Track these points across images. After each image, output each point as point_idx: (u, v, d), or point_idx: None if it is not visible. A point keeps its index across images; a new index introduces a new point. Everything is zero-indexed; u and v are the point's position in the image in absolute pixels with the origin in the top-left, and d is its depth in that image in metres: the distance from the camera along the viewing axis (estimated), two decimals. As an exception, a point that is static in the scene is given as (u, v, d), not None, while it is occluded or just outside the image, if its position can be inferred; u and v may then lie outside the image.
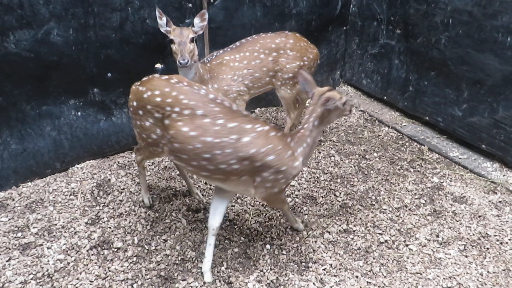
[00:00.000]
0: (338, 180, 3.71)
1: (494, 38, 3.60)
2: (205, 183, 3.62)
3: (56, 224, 3.13)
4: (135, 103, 2.64)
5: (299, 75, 2.69)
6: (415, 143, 4.33)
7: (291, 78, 3.63)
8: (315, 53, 3.73)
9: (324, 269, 2.82)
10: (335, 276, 2.78)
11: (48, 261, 2.82)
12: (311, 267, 2.84)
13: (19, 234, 3.03)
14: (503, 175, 3.78)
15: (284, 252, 2.96)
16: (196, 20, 3.17)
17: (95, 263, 2.82)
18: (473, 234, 3.13)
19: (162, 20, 3.15)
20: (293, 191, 3.55)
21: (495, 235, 3.12)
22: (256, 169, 2.44)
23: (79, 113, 3.63)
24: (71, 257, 2.86)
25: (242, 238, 3.07)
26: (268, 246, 3.00)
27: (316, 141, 2.67)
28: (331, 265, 2.86)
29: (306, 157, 2.64)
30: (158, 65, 3.86)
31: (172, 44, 3.11)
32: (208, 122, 2.38)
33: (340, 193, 3.55)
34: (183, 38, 3.06)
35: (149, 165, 3.85)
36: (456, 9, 3.84)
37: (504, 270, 2.84)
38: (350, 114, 2.92)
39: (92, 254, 2.89)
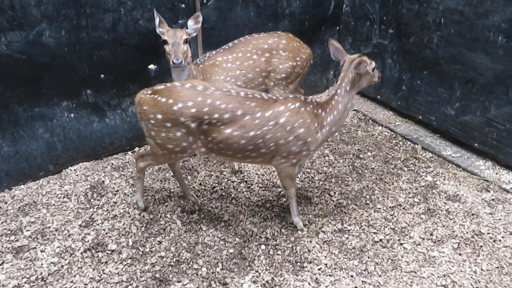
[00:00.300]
0: (333, 180, 3.72)
1: (485, 37, 3.63)
2: (200, 184, 3.62)
3: (49, 227, 3.11)
4: (160, 116, 2.60)
5: (330, 45, 2.92)
6: (409, 142, 4.35)
7: (284, 79, 3.64)
8: (308, 53, 3.73)
9: (319, 269, 2.83)
10: (330, 275, 2.78)
11: (42, 264, 2.80)
12: (306, 267, 2.85)
13: (12, 238, 3.01)
14: (496, 173, 3.81)
15: (279, 252, 2.97)
16: (190, 22, 3.17)
17: (89, 265, 2.81)
18: (467, 232, 3.15)
19: (156, 21, 3.16)
20: (287, 191, 3.55)
21: (488, 233, 3.14)
22: (288, 143, 2.68)
23: (72, 115, 3.61)
24: (65, 260, 2.84)
25: (237, 238, 3.07)
26: (263, 247, 3.01)
27: (348, 108, 2.85)
28: (326, 264, 2.86)
29: (337, 124, 2.86)
30: (151, 66, 3.84)
31: (165, 45, 3.10)
32: (249, 118, 2.60)
33: (335, 192, 3.56)
34: (176, 39, 3.06)
35: (143, 166, 3.83)
36: (448, 8, 3.86)
37: (497, 267, 2.86)
38: (378, 80, 3.01)
39: (86, 257, 2.87)
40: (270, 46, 3.57)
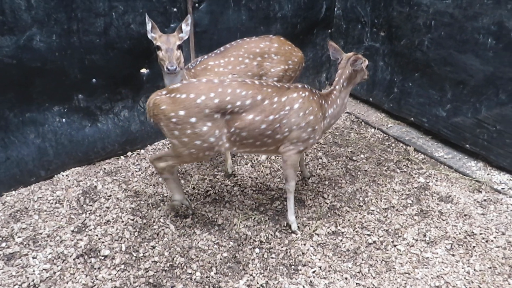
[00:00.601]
0: (326, 182, 3.73)
1: (475, 39, 3.67)
2: (193, 188, 3.60)
3: (41, 233, 3.08)
4: (182, 112, 2.61)
5: (329, 46, 3.11)
6: (401, 144, 4.38)
7: (276, 82, 3.64)
8: (300, 56, 3.75)
9: (313, 272, 2.83)
10: (324, 278, 2.79)
11: (34, 271, 2.77)
12: (300, 270, 2.85)
13: (3, 244, 2.97)
14: (487, 174, 3.84)
15: (273, 255, 2.96)
16: (184, 26, 3.16)
17: (82, 271, 2.78)
18: (460, 233, 3.17)
19: (148, 26, 3.14)
20: (281, 194, 3.55)
21: (480, 233, 3.17)
22: (299, 129, 2.84)
23: (63, 120, 3.58)
24: (57, 266, 2.81)
25: (231, 242, 3.06)
26: (257, 250, 3.00)
27: (345, 103, 3.10)
28: (320, 267, 2.86)
29: (335, 118, 3.08)
30: (143, 70, 3.83)
31: (159, 50, 3.08)
32: (268, 103, 2.75)
33: (328, 195, 3.57)
34: (170, 45, 3.04)
35: (135, 171, 3.82)
36: (438, 11, 3.90)
37: (490, 267, 2.88)
38: (368, 78, 3.28)
39: (79, 263, 2.85)
40: (262, 50, 3.57)
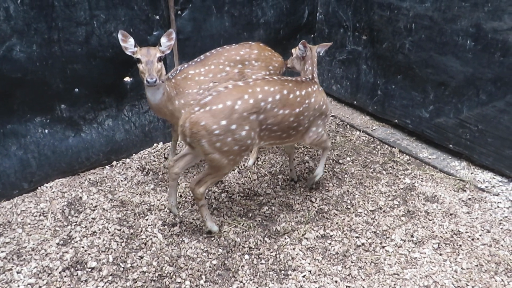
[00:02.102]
0: (313, 186, 3.74)
1: (454, 41, 3.74)
2: (180, 196, 3.57)
3: (25, 247, 3.01)
4: (224, 122, 2.65)
5: (304, 46, 3.36)
6: (386, 146, 4.42)
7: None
8: (280, 61, 3.76)
9: (303, 276, 2.83)
10: (314, 282, 2.78)
11: (18, 286, 2.70)
12: (290, 274, 2.84)
13: (-14, 260, 2.90)
14: (471, 173, 3.90)
15: (263, 261, 2.95)
16: (163, 40, 3.11)
17: (69, 285, 2.73)
18: (446, 232, 3.21)
19: (128, 43, 3.06)
20: (269, 199, 3.55)
21: (466, 232, 3.21)
22: (317, 119, 3.17)
23: (46, 131, 3.52)
24: (43, 280, 2.75)
25: (220, 249, 3.04)
26: (246, 256, 2.98)
27: None
28: (310, 271, 2.86)
29: None
30: (127, 79, 3.80)
31: (139, 63, 3.03)
32: (293, 97, 2.94)
33: (316, 198, 3.58)
34: (150, 57, 2.99)
35: (121, 180, 3.77)
36: (418, 14, 3.97)
37: (477, 265, 2.92)
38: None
39: (65, 276, 2.79)
40: (242, 57, 3.57)
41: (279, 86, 2.89)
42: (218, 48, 3.62)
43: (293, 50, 3.49)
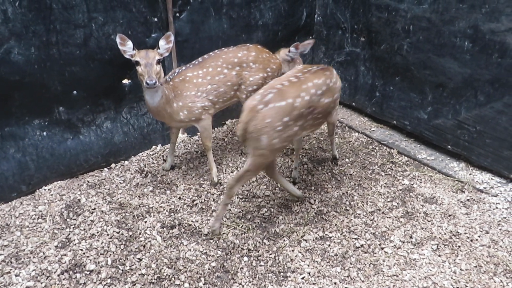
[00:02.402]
0: (312, 188, 3.74)
1: (452, 43, 3.75)
2: (179, 199, 3.56)
3: (24, 250, 3.01)
4: (286, 119, 2.79)
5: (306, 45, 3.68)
6: (385, 147, 4.43)
7: (256, 90, 3.62)
8: (278, 63, 3.77)
9: (302, 278, 2.82)
10: (313, 284, 2.78)
11: (17, 289, 2.70)
12: (289, 276, 2.84)
13: (-16, 263, 2.89)
14: (469, 174, 3.91)
15: (262, 263, 2.95)
16: (162, 42, 3.12)
17: (67, 288, 2.72)
18: (445, 233, 3.21)
19: (126, 46, 3.08)
20: (268, 201, 3.55)
21: (465, 233, 3.21)
22: (337, 99, 3.38)
23: (44, 133, 3.52)
24: (41, 283, 2.74)
25: (219, 252, 3.03)
26: (245, 258, 2.98)
27: None
28: (309, 273, 2.86)
29: None
30: (126, 81, 3.80)
31: (138, 66, 3.05)
32: (332, 83, 3.15)
33: (315, 200, 3.58)
34: (149, 60, 3.01)
35: (120, 183, 3.76)
36: (416, 16, 3.98)
37: (475, 266, 2.92)
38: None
39: (63, 279, 2.78)
40: (240, 59, 3.57)
41: (320, 77, 3.05)
42: (216, 51, 3.63)
43: (282, 53, 3.63)
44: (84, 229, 3.21)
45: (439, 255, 3.02)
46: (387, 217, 3.40)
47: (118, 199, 3.54)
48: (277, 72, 3.75)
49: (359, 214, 3.43)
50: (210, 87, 3.46)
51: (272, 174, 3.28)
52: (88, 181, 3.76)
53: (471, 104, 3.77)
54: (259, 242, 3.12)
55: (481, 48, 3.56)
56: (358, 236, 3.20)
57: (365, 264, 2.95)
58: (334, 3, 4.81)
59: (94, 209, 3.42)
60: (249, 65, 3.59)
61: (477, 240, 3.15)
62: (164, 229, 3.24)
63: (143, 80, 3.00)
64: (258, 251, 3.04)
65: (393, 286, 2.77)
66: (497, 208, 3.49)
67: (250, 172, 2.96)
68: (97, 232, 3.18)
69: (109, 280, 2.78)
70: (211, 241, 3.13)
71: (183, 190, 3.68)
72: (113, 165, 4.01)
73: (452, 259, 2.98)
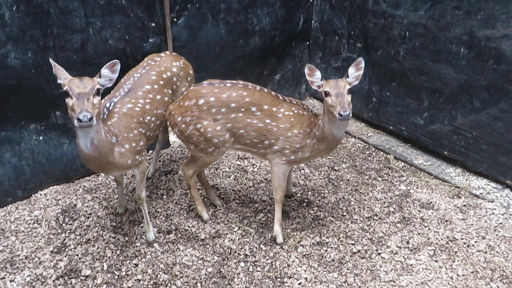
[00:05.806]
0: (309, 193, 3.74)
1: (448, 49, 3.77)
2: (176, 204, 3.55)
3: (19, 255, 2.98)
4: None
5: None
6: (382, 153, 4.44)
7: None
8: (191, 67, 3.42)
9: (299, 284, 2.81)
10: (310, 289, 2.77)
11: (11, 295, 2.67)
12: (286, 282, 2.83)
13: (-21, 268, 2.86)
14: (466, 180, 3.92)
15: (258, 268, 2.94)
16: (105, 71, 2.50)
17: (62, 293, 2.70)
18: (441, 239, 3.22)
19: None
20: (265, 206, 3.54)
21: (462, 239, 3.22)
22: None
23: (40, 138, 3.51)
24: (36, 289, 2.72)
25: (215, 257, 3.02)
26: (242, 264, 2.97)
27: None
28: (306, 278, 2.85)
29: None
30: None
31: (67, 97, 2.46)
32: None
33: (312, 205, 3.57)
34: (85, 89, 2.41)
35: (116, 188, 3.74)
36: (412, 22, 4.00)
37: (472, 272, 2.92)
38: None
39: (59, 284, 2.76)
40: (170, 77, 3.17)
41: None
42: (135, 75, 3.09)
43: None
44: (80, 234, 3.19)
45: (436, 261, 3.02)
46: (384, 222, 3.40)
47: (114, 204, 3.52)
48: (192, 77, 3.43)
49: (356, 219, 3.43)
50: (150, 112, 3.02)
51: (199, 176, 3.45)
52: (84, 186, 3.75)
53: (467, 110, 3.79)
54: (256, 247, 3.11)
55: (477, 54, 3.59)
56: (355, 241, 3.19)
57: (362, 270, 2.94)
58: (331, 9, 4.84)
59: (90, 214, 3.40)
60: (179, 74, 3.25)
61: (473, 245, 3.16)
62: (161, 234, 3.22)
63: (73, 117, 2.40)
64: (255, 257, 3.03)
65: (390, 291, 2.77)
66: (493, 213, 3.49)
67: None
68: (93, 237, 3.16)
69: (104, 286, 2.76)
70: (208, 246, 3.12)
71: (180, 195, 3.67)
72: (109, 170, 3.99)
73: (449, 265, 2.98)
